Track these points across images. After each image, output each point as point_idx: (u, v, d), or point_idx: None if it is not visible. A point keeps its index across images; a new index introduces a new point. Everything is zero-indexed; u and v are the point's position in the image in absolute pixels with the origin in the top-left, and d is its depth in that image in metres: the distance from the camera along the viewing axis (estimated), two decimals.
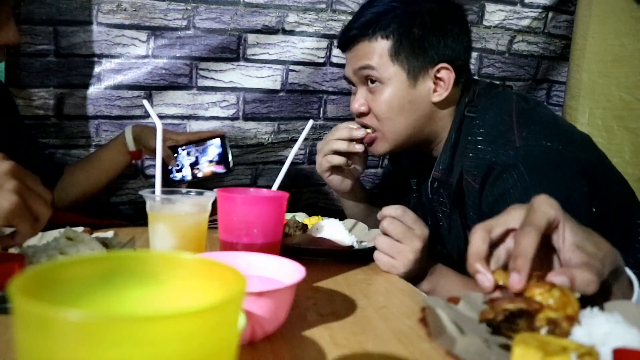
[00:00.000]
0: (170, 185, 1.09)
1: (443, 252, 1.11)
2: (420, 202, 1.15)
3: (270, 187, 0.87)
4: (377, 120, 1.03)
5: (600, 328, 0.45)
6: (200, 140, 1.24)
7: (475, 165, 0.93)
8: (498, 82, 1.48)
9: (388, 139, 1.03)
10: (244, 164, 1.47)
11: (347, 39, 1.04)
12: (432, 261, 0.91)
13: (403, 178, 1.21)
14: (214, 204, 0.78)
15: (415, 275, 0.87)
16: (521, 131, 0.91)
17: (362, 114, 1.05)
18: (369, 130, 1.04)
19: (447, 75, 1.00)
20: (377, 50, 1.00)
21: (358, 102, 1.04)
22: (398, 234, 0.85)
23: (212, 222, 0.81)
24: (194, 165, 1.24)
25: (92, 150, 1.30)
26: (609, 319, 0.46)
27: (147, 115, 1.31)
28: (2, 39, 0.85)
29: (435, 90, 1.01)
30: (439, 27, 1.00)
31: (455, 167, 0.99)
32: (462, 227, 1.01)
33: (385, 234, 0.87)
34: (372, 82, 1.01)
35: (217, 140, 1.25)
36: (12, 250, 0.70)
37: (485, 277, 0.50)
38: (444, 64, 0.99)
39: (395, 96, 1.00)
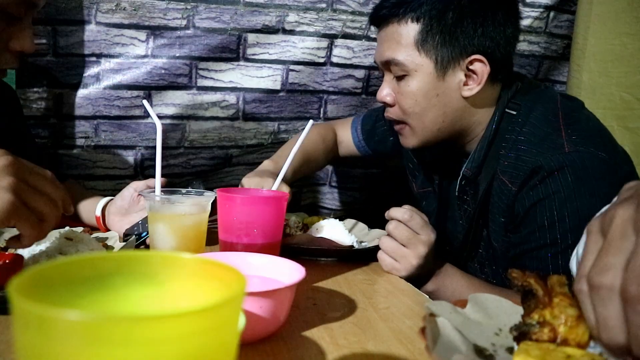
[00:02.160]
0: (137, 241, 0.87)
1: (448, 249, 1.08)
2: (440, 199, 1.10)
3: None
4: (401, 112, 0.96)
5: None
6: None
7: (514, 166, 0.88)
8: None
9: (416, 133, 0.97)
10: (244, 164, 1.47)
11: (378, 17, 0.97)
12: (439, 261, 0.90)
13: (426, 172, 1.14)
14: (214, 204, 0.78)
15: (419, 278, 0.87)
16: (570, 135, 0.86)
17: (388, 105, 0.98)
18: None
19: (481, 68, 0.91)
20: (404, 38, 0.92)
21: (384, 91, 0.98)
22: (403, 239, 0.84)
23: (212, 222, 0.81)
24: None
25: (90, 150, 1.30)
26: None
27: (147, 115, 1.31)
28: (19, 46, 0.82)
29: (466, 84, 0.93)
30: (479, 12, 0.90)
31: (487, 166, 0.94)
32: (482, 227, 0.98)
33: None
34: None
35: None
36: (12, 251, 0.70)
37: None
38: (478, 56, 0.90)
39: (422, 89, 0.93)
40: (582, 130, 0.88)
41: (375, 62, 1.02)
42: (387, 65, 0.96)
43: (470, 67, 0.91)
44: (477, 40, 0.90)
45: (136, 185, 0.92)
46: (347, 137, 1.33)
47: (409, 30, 0.92)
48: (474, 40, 0.90)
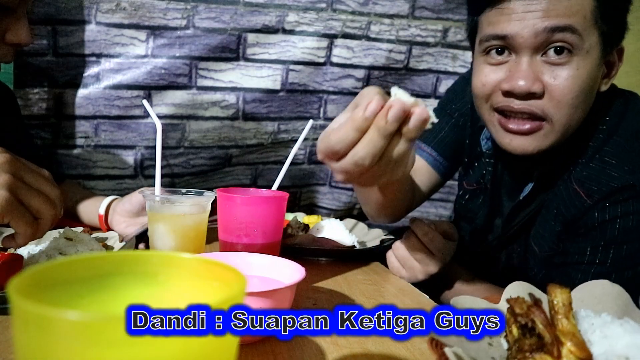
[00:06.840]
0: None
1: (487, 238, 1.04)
2: (493, 195, 1.01)
3: (270, 187, 0.87)
4: (552, 106, 0.75)
5: (619, 340, 0.41)
6: None
7: (597, 179, 0.78)
8: None
9: (556, 133, 0.77)
10: (244, 164, 1.47)
11: None
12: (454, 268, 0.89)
13: (494, 168, 1.00)
14: (214, 204, 0.78)
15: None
16: None
17: (531, 96, 0.75)
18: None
19: (616, 61, 0.80)
20: (580, 6, 0.71)
21: (530, 79, 0.74)
22: (416, 256, 0.84)
23: (212, 222, 0.81)
24: None
25: (90, 150, 1.30)
26: (625, 329, 0.42)
27: (147, 115, 1.31)
28: (14, 38, 0.80)
29: (604, 77, 0.80)
30: None
31: (558, 172, 0.85)
32: (525, 225, 0.92)
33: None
34: (559, 51, 0.73)
35: None
36: (11, 251, 0.70)
37: None
38: (621, 46, 0.78)
39: (588, 76, 0.74)
40: None
41: (500, 37, 0.77)
42: (552, 37, 0.73)
43: (611, 58, 0.79)
44: (625, 25, 0.76)
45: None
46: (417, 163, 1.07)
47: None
48: (624, 26, 0.76)
